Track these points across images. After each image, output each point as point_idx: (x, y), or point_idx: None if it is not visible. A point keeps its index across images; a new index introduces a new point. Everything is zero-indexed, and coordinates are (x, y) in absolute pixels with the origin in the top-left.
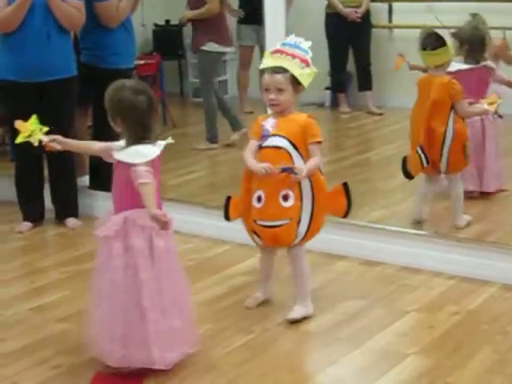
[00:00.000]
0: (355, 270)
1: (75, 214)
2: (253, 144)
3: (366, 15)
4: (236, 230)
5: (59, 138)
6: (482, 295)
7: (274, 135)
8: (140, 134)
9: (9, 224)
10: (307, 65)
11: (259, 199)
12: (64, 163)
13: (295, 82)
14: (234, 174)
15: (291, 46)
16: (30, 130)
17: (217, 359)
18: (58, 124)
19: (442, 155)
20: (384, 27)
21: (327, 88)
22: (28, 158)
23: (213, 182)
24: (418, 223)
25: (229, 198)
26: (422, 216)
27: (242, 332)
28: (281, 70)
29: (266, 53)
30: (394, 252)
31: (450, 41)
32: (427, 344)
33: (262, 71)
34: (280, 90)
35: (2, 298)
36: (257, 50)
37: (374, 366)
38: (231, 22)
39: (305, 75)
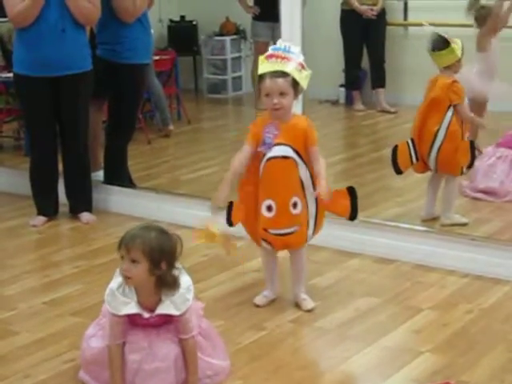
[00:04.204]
0: (369, 267)
1: (89, 209)
2: (246, 150)
3: (382, 13)
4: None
5: None
6: (495, 294)
7: (279, 144)
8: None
9: (23, 218)
10: (303, 67)
11: (269, 209)
12: (79, 158)
13: (295, 84)
14: None
15: (284, 50)
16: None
17: (228, 356)
18: (72, 118)
19: (430, 154)
20: (399, 25)
21: (342, 85)
22: (43, 152)
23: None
24: (429, 221)
25: (231, 203)
26: (433, 215)
27: (254, 328)
28: (281, 74)
29: (261, 58)
30: (408, 250)
31: (458, 43)
32: (441, 342)
33: (261, 76)
34: (282, 94)
35: (16, 292)
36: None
37: (387, 364)
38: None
39: (303, 78)
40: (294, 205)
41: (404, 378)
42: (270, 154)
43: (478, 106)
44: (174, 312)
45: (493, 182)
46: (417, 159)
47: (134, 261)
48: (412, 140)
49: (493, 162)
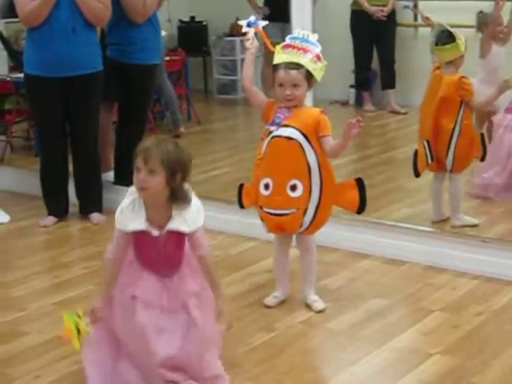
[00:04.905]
0: (379, 268)
1: (99, 210)
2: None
3: (392, 13)
4: (262, 226)
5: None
6: (506, 295)
7: (287, 126)
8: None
9: (33, 218)
10: (319, 59)
11: (266, 187)
12: (89, 158)
13: (309, 76)
14: None
15: (301, 40)
16: (73, 331)
17: (238, 357)
18: (82, 119)
19: (448, 152)
20: (409, 25)
21: (352, 86)
22: (53, 152)
23: (238, 178)
24: (438, 223)
25: (241, 185)
26: (443, 216)
27: (264, 330)
28: (295, 65)
29: (277, 47)
30: (419, 251)
31: (462, 39)
32: (451, 344)
33: (276, 67)
34: (295, 86)
35: (26, 292)
36: None
37: (397, 366)
38: None
39: (317, 69)
40: (293, 187)
41: (414, 380)
42: (275, 133)
43: (481, 115)
44: (185, 229)
45: (501, 151)
46: (432, 160)
47: (151, 171)
48: (427, 141)
49: (502, 132)
